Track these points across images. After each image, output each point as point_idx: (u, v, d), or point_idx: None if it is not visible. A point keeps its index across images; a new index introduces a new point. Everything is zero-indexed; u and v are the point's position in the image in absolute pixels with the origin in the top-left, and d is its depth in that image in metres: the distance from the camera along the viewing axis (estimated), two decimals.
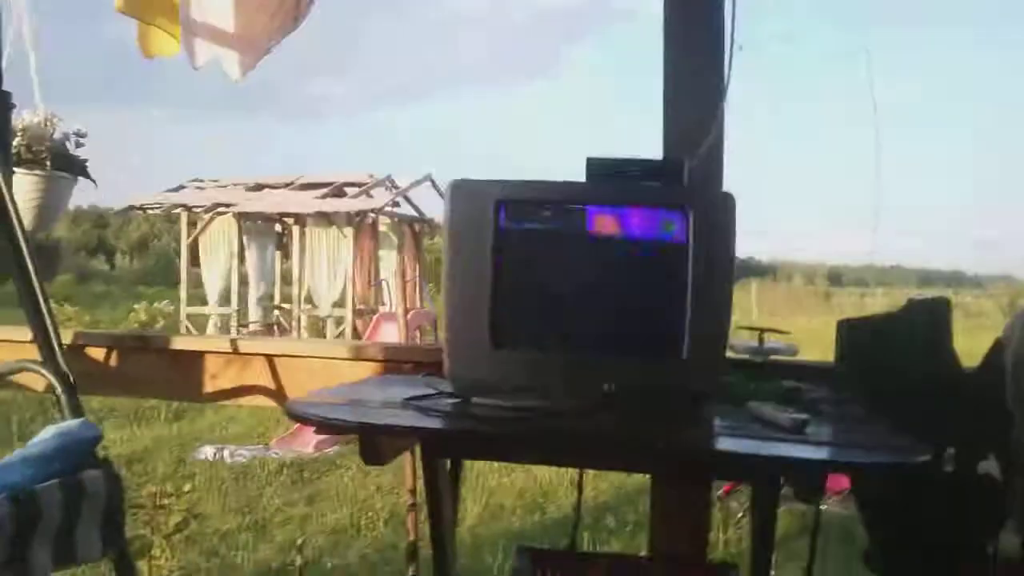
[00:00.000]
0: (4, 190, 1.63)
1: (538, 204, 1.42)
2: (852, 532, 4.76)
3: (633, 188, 1.46)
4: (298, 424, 6.85)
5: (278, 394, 2.05)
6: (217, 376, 2.04)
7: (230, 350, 2.04)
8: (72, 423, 1.59)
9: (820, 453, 1.21)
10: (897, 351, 1.60)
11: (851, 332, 1.72)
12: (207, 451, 6.20)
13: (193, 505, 3.14)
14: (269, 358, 2.03)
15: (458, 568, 1.60)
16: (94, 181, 2.22)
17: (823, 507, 5.14)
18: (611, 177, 1.48)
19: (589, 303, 1.41)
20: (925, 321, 1.63)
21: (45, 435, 1.55)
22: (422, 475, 1.48)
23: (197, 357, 2.03)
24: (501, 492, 5.38)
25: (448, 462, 1.54)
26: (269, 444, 6.60)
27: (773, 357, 1.85)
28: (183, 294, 13.13)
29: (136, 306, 12.04)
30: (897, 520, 1.51)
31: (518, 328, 1.39)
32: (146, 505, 2.80)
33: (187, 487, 2.98)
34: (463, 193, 1.40)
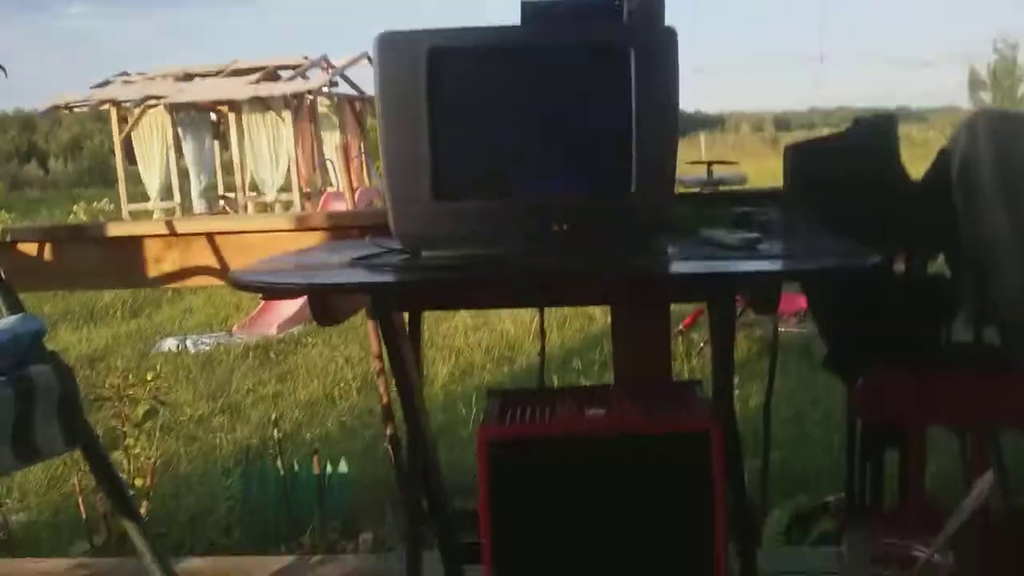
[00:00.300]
0: None
1: (471, 51, 1.35)
2: (810, 348, 4.97)
3: (571, 28, 1.40)
4: (259, 307, 6.85)
5: (223, 273, 2.00)
6: (160, 260, 1.98)
7: (168, 232, 1.97)
8: (11, 319, 1.55)
9: (773, 265, 1.22)
10: (845, 167, 1.60)
11: (798, 154, 1.70)
12: (169, 343, 6.17)
13: (163, 394, 3.13)
14: (210, 236, 1.97)
15: (427, 419, 1.62)
16: (4, 70, 2.09)
17: (781, 329, 5.35)
18: (547, 19, 1.41)
19: (531, 146, 1.37)
20: (872, 136, 1.62)
21: None
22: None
23: (135, 243, 1.97)
24: (469, 351, 5.47)
25: (406, 317, 1.53)
26: (231, 330, 6.59)
27: (722, 188, 1.84)
28: (122, 191, 12.77)
29: (75, 207, 11.70)
30: (854, 322, 1.55)
31: (460, 177, 1.34)
32: (111, 398, 2.79)
33: (149, 376, 2.95)
34: (392, 46, 1.33)
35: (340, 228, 1.88)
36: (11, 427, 1.39)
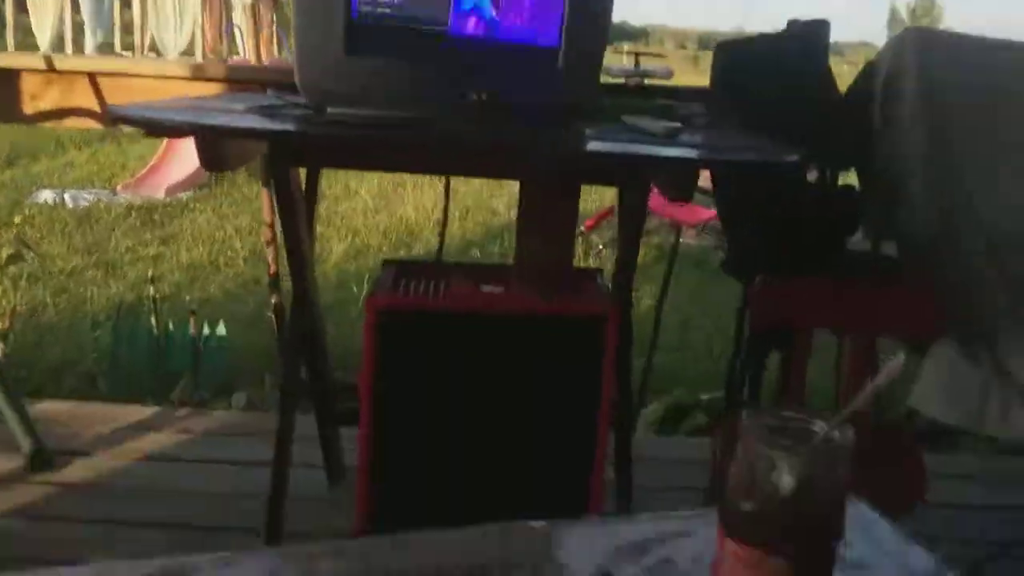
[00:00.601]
0: None
1: None
2: (705, 260, 5.06)
3: None
4: (148, 168, 6.48)
5: (103, 115, 1.84)
6: (37, 97, 1.80)
7: (46, 68, 1.79)
8: None
9: (693, 153, 1.18)
10: (773, 69, 1.56)
11: (727, 53, 1.66)
12: (45, 195, 5.79)
13: (33, 242, 2.92)
14: (91, 76, 1.80)
15: (315, 282, 1.55)
16: None
17: (680, 240, 5.38)
18: None
19: (461, 9, 1.26)
20: (803, 37, 1.58)
21: None
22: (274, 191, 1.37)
23: (11, 75, 1.78)
24: (366, 232, 5.35)
25: (303, 177, 1.43)
26: (115, 189, 6.23)
27: (648, 80, 1.78)
28: (10, 40, 11.73)
29: None
30: (759, 225, 1.55)
31: (376, 32, 1.24)
32: None
33: (17, 219, 2.74)
34: None
35: (240, 82, 1.75)
36: None
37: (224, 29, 11.98)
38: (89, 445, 1.93)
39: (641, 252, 5.23)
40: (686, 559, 0.68)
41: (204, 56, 11.30)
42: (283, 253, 3.89)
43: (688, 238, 5.51)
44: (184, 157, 6.43)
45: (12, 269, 2.84)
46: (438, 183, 6.73)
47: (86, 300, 3.71)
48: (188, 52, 11.77)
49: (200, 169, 5.63)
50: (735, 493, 0.57)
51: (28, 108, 1.85)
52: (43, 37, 11.81)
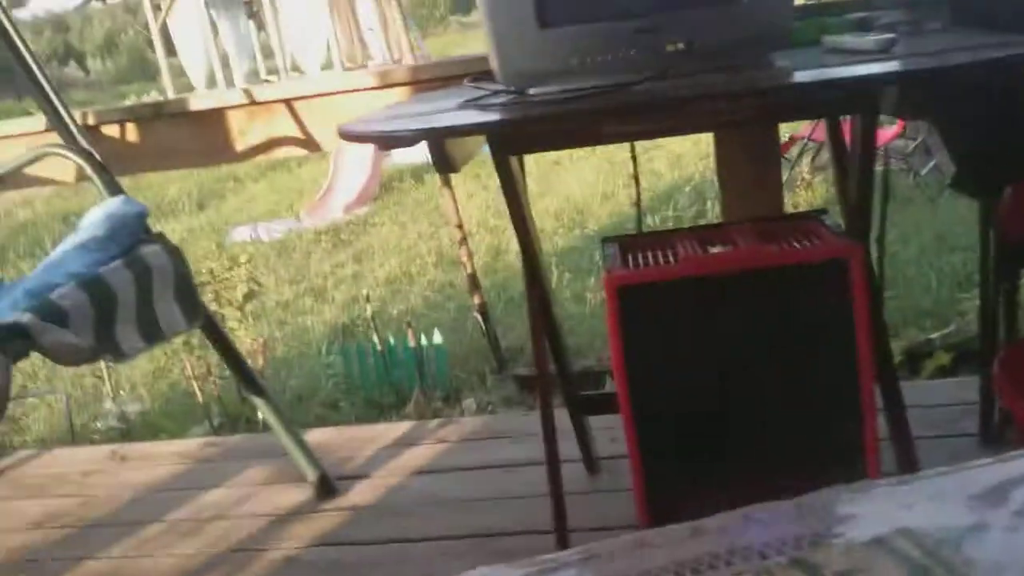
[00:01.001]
0: None
1: None
2: (893, 185, 4.76)
3: None
4: (323, 191, 6.83)
5: (308, 142, 1.95)
6: (244, 132, 1.92)
7: (247, 101, 1.91)
8: (114, 201, 1.52)
9: (923, 63, 1.09)
10: None
11: None
12: (242, 232, 6.23)
13: (257, 277, 3.16)
14: (288, 103, 1.90)
15: (545, 273, 1.56)
16: None
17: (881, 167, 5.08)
18: None
19: None
20: None
21: (92, 218, 1.49)
22: (467, 190, 1.40)
23: (218, 116, 1.91)
24: (538, 218, 5.35)
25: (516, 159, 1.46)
26: (299, 216, 6.61)
27: None
28: (168, 83, 12.72)
29: (125, 103, 11.71)
30: (996, 128, 1.43)
31: (566, 3, 1.24)
32: (209, 281, 2.82)
33: (243, 258, 2.96)
34: None
35: (425, 82, 1.80)
36: (135, 307, 1.38)
37: (355, 35, 12.43)
38: (363, 468, 2.00)
39: (822, 189, 5.01)
40: None
41: (343, 65, 11.80)
42: (474, 249, 4.00)
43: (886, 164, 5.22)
44: (353, 175, 6.74)
45: (249, 307, 3.07)
46: (594, 156, 6.69)
47: (306, 329, 3.97)
48: (326, 65, 12.30)
49: (370, 183, 5.88)
50: None
51: (239, 145, 1.98)
52: (196, 74, 12.69)
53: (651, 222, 4.83)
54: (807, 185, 5.01)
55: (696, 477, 1.35)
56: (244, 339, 2.96)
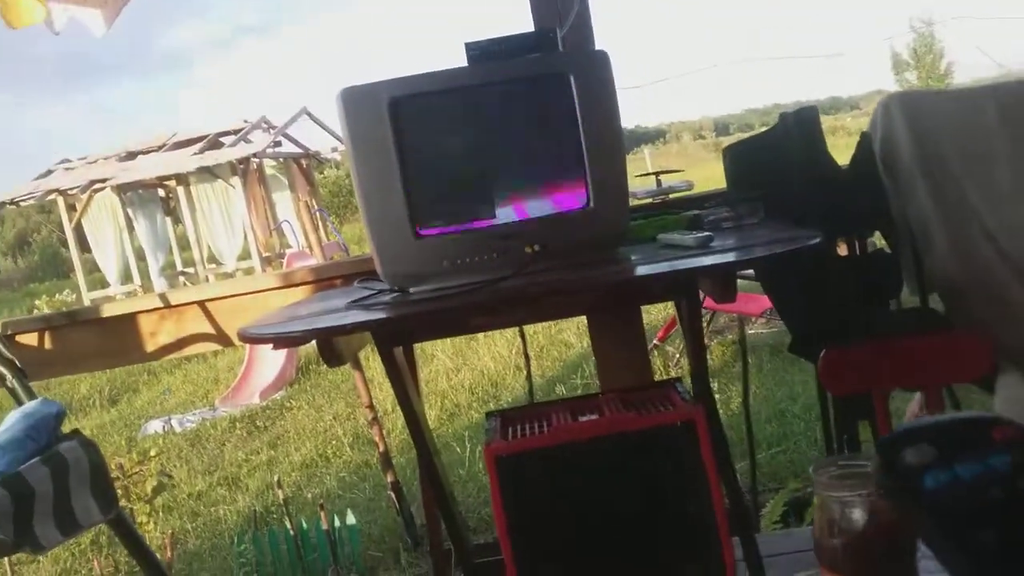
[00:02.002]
0: None
1: (427, 95, 1.48)
2: (780, 346, 5.10)
3: (515, 64, 1.52)
4: (239, 378, 6.87)
5: (219, 337, 2.10)
6: (155, 333, 2.07)
7: (162, 305, 2.07)
8: (32, 404, 1.64)
9: (726, 257, 1.35)
10: (777, 159, 1.75)
11: (735, 154, 1.86)
12: (155, 425, 6.18)
13: (167, 471, 3.19)
14: (201, 304, 2.07)
15: (436, 448, 1.71)
16: None
17: (750, 331, 5.49)
18: (492, 58, 1.54)
19: (495, 178, 1.50)
20: (797, 128, 1.78)
21: (10, 421, 1.60)
22: (383, 371, 1.57)
23: (130, 320, 2.06)
24: (453, 392, 5.55)
25: (402, 351, 1.64)
26: (214, 405, 6.61)
27: (673, 195, 1.99)
28: (81, 281, 12.71)
29: (37, 303, 11.62)
30: (808, 304, 1.69)
31: (436, 214, 1.48)
32: (118, 477, 2.84)
33: (153, 452, 3.01)
34: (356, 99, 1.45)
35: (324, 280, 2.00)
36: (51, 503, 1.47)
37: (272, 226, 12.79)
38: None
39: (717, 352, 5.35)
40: None
41: (260, 255, 12.06)
42: (388, 428, 4.11)
43: (759, 327, 5.60)
44: (269, 361, 6.82)
45: (159, 500, 3.07)
46: (508, 332, 6.95)
47: (219, 519, 3.95)
48: (243, 255, 12.58)
49: (286, 368, 5.99)
50: (822, 533, 0.71)
51: (150, 346, 2.12)
52: (110, 271, 12.75)
53: (560, 391, 5.04)
54: (705, 348, 5.33)
55: None
56: (153, 533, 2.96)
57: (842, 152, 1.87)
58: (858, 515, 0.69)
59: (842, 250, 1.78)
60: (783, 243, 1.37)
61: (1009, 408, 1.52)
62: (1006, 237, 1.57)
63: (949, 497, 0.63)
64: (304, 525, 3.07)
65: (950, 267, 1.67)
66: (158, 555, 2.87)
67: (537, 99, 1.50)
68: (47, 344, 2.06)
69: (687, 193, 2.00)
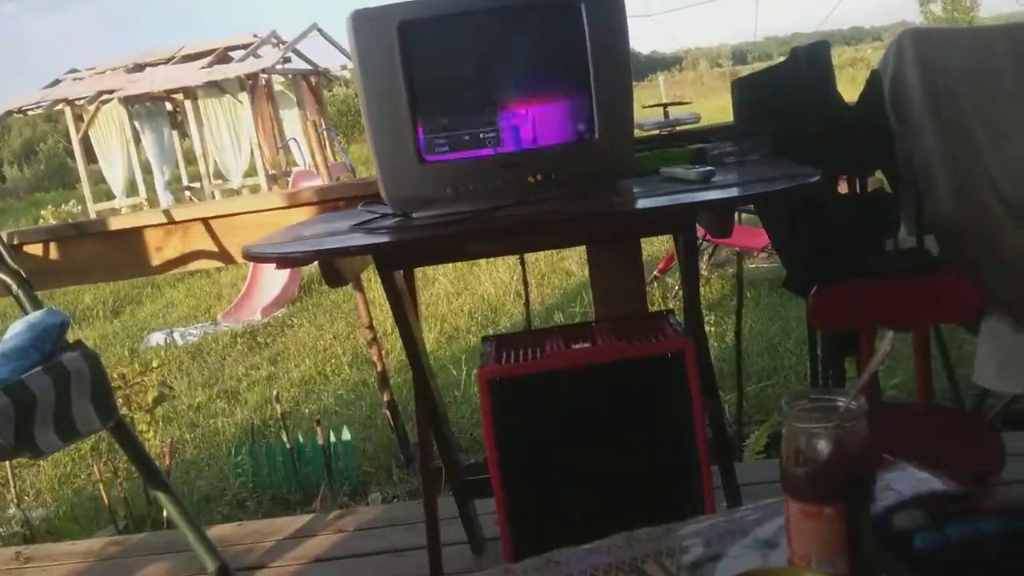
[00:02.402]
0: None
1: (438, 20, 1.47)
2: (780, 279, 5.13)
3: None
4: (241, 294, 6.93)
5: (222, 254, 2.12)
6: (161, 248, 2.10)
7: (167, 220, 2.09)
8: (37, 314, 1.67)
9: (726, 193, 1.36)
10: (785, 95, 1.75)
11: (743, 88, 1.85)
12: (157, 337, 6.25)
13: (169, 381, 3.25)
14: (205, 221, 2.09)
15: (431, 370, 1.76)
16: None
17: (751, 265, 5.51)
18: None
19: (501, 105, 1.50)
20: (808, 64, 1.77)
21: (15, 330, 1.63)
22: (381, 292, 1.60)
23: (136, 234, 2.08)
24: (453, 316, 5.60)
25: (402, 274, 1.67)
26: (216, 319, 6.67)
27: (679, 127, 1.98)
28: (87, 192, 12.69)
29: (43, 212, 11.63)
30: (805, 241, 1.71)
31: (441, 142, 1.48)
32: (120, 387, 2.90)
33: (155, 363, 3.06)
34: (365, 22, 1.45)
35: (329, 201, 2.01)
36: (52, 410, 1.52)
37: (279, 144, 12.72)
38: (261, 559, 2.12)
39: (716, 285, 5.37)
40: (776, 531, 0.85)
41: (266, 172, 12.03)
42: (388, 349, 4.16)
43: (760, 262, 5.62)
44: (272, 278, 6.87)
45: (159, 410, 3.14)
46: (510, 259, 6.98)
47: (218, 431, 4.04)
48: (249, 172, 12.54)
49: (288, 286, 6.02)
50: (788, 462, 0.74)
51: (155, 260, 2.14)
52: (116, 183, 12.75)
53: (558, 318, 5.09)
54: (705, 281, 5.36)
55: (560, 544, 1.53)
56: (153, 442, 3.04)
57: (860, 85, 1.86)
58: (823, 446, 0.72)
59: (843, 188, 1.79)
60: (782, 180, 1.38)
61: (989, 350, 1.55)
62: (1006, 178, 1.58)
63: (940, 557, 0.67)
64: (300, 439, 3.15)
65: (950, 208, 1.68)
66: (157, 462, 2.97)
67: (547, 27, 1.50)
68: (53, 255, 2.08)
69: (694, 126, 1.99)
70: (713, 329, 4.33)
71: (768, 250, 5.34)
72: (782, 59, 1.90)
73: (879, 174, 1.89)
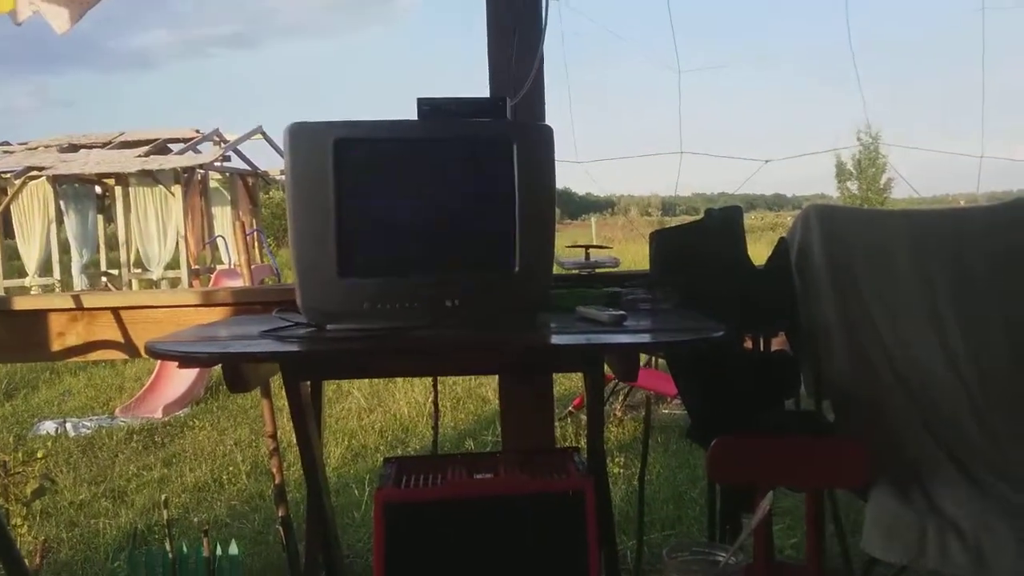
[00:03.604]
0: None
1: (373, 142, 1.52)
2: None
3: (462, 124, 1.58)
4: (144, 389, 6.68)
5: (128, 347, 2.07)
6: (64, 334, 2.03)
7: (74, 306, 2.03)
8: None
9: (635, 338, 1.40)
10: (697, 253, 1.84)
11: (661, 239, 1.94)
12: (48, 426, 5.94)
13: (51, 473, 3.07)
14: (115, 311, 2.04)
15: (328, 489, 1.71)
16: None
17: (665, 411, 5.58)
18: (441, 115, 1.59)
19: (426, 230, 1.54)
20: (721, 226, 1.87)
21: None
22: (287, 402, 1.58)
23: (40, 316, 2.02)
24: (363, 433, 5.49)
25: (308, 387, 1.65)
26: (114, 413, 6.39)
27: (598, 269, 2.05)
28: None
29: None
30: (708, 393, 1.75)
31: (362, 256, 1.50)
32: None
33: (40, 453, 2.90)
34: (302, 135, 1.49)
35: (244, 304, 1.99)
36: None
37: (207, 240, 12.59)
38: None
39: (630, 427, 5.40)
40: None
41: (189, 266, 11.84)
42: (290, 461, 4.02)
43: (674, 408, 5.70)
44: (178, 376, 6.64)
45: (37, 504, 2.95)
46: (427, 379, 6.92)
47: (98, 532, 3.80)
48: (171, 264, 12.33)
49: (194, 385, 5.83)
50: None
51: (56, 346, 2.07)
52: (31, 260, 12.37)
53: (469, 444, 5.03)
54: (619, 422, 5.39)
55: None
56: (27, 538, 2.84)
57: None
58: None
59: (748, 345, 1.86)
60: (690, 331, 1.43)
61: (876, 517, 1.60)
62: (898, 350, 1.66)
63: None
64: (184, 550, 2.98)
65: (845, 374, 1.76)
66: (27, 561, 2.77)
67: (478, 162, 1.56)
68: None
69: (612, 270, 2.06)
70: (621, 472, 4.33)
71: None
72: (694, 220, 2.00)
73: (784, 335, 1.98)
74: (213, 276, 9.44)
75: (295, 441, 4.74)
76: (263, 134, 13.33)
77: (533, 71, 1.96)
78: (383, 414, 5.95)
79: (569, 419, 5.20)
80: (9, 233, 12.69)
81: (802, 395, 1.92)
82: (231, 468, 4.80)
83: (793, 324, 1.84)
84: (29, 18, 1.79)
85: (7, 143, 13.30)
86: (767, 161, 2.55)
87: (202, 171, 12.48)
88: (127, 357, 2.07)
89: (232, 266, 10.02)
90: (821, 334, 1.80)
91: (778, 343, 1.93)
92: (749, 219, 1.98)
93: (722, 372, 1.72)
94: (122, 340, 2.04)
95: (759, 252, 2.01)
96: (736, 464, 1.58)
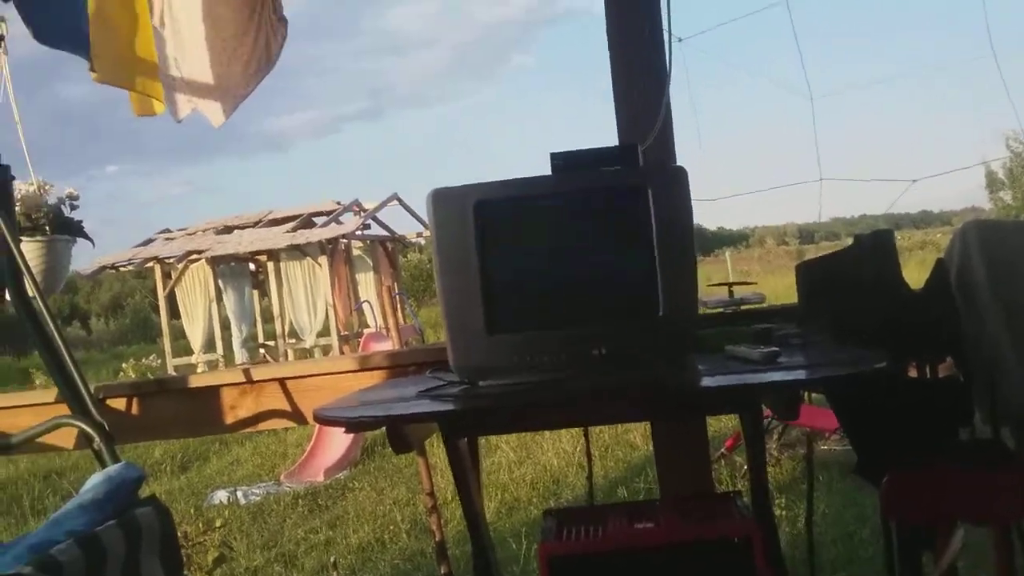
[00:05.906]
0: (18, 259, 1.75)
1: (511, 200, 1.57)
2: (851, 463, 4.95)
3: (596, 175, 1.60)
4: (305, 454, 6.98)
5: (295, 415, 2.18)
6: (236, 407, 2.16)
7: (244, 380, 2.17)
8: (116, 467, 1.72)
9: (791, 375, 1.37)
10: (849, 282, 1.77)
11: (808, 272, 1.88)
12: (220, 495, 6.28)
13: (229, 542, 3.24)
14: (281, 381, 2.16)
15: (492, 544, 1.73)
16: (92, 241, 2.36)
17: (823, 447, 5.34)
18: (574, 168, 1.62)
19: (569, 281, 1.56)
20: (871, 252, 1.80)
21: (94, 482, 1.68)
22: (446, 459, 1.62)
23: (214, 392, 2.16)
24: (514, 486, 5.52)
25: (466, 442, 1.68)
26: (279, 479, 6.70)
27: (743, 307, 2.02)
28: (167, 346, 13.19)
29: (124, 365, 12.06)
30: (875, 427, 1.68)
31: (509, 313, 1.54)
32: (183, 545, 2.91)
33: (218, 523, 3.08)
34: (444, 200, 1.55)
35: (398, 367, 2.07)
36: (121, 565, 1.54)
37: (353, 306, 13.14)
38: None
39: (788, 466, 5.19)
40: None
41: (338, 332, 12.37)
42: (448, 517, 4.11)
43: (832, 444, 5.44)
44: (336, 439, 6.91)
45: (218, 572, 3.13)
46: (574, 429, 6.90)
47: None
48: (322, 332, 12.92)
49: (351, 448, 6.04)
50: None
51: (229, 419, 2.21)
52: (196, 338, 13.23)
53: (622, 493, 4.97)
54: (775, 462, 5.20)
55: None
56: None
57: (930, 266, 1.87)
58: None
59: (913, 373, 1.77)
60: (849, 364, 1.38)
61: None
62: None
63: None
64: None
65: (1021, 396, 1.64)
66: None
67: (615, 210, 1.57)
68: (134, 410, 2.17)
69: (758, 306, 2.02)
70: (783, 513, 4.16)
71: (840, 431, 5.18)
72: (848, 241, 1.93)
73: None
74: (362, 340, 9.80)
75: (451, 498, 4.86)
76: (399, 199, 13.87)
77: (661, 114, 1.98)
78: (533, 466, 5.97)
79: (723, 461, 5.06)
80: (175, 314, 13.66)
81: (976, 423, 1.81)
82: (392, 527, 4.93)
83: (960, 348, 1.74)
84: (188, 115, 1.96)
85: (168, 230, 14.38)
86: (914, 181, 2.44)
87: (345, 240, 13.08)
88: (294, 424, 2.18)
89: (378, 329, 10.38)
90: (993, 357, 1.69)
91: (944, 368, 1.83)
92: (896, 239, 1.90)
93: (887, 404, 1.64)
94: (289, 409, 2.15)
95: (911, 273, 1.92)
96: (913, 499, 1.50)
